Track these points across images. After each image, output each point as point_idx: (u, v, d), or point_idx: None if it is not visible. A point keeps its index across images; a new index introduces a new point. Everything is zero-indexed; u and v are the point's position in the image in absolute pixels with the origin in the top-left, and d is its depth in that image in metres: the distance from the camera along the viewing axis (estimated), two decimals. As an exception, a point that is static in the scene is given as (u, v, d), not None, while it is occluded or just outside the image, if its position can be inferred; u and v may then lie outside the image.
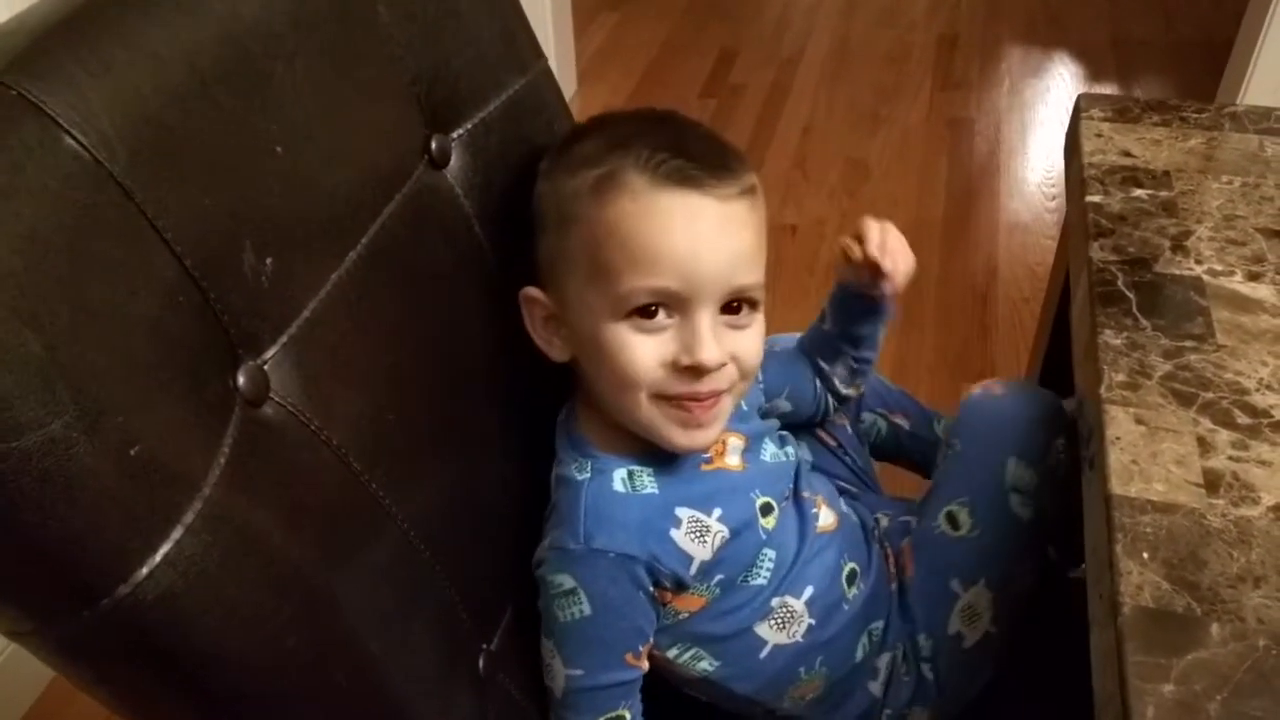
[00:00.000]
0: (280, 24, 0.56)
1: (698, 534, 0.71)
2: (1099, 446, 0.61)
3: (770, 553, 0.75)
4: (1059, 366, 1.01)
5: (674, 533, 0.70)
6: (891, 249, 0.80)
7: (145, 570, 0.42)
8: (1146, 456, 0.60)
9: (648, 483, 0.71)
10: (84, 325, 0.42)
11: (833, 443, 0.94)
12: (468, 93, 0.71)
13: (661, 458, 0.72)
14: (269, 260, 0.53)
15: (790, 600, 0.76)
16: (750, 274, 0.68)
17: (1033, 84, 2.65)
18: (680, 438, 0.69)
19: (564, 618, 0.69)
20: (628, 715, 0.72)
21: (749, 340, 0.69)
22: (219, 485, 0.46)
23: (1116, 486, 0.58)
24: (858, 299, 0.85)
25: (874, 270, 0.79)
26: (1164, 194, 0.80)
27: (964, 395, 0.84)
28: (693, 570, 0.71)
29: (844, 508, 0.84)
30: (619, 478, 0.71)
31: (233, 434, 0.49)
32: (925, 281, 1.99)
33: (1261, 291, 0.70)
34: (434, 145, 0.67)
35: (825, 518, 0.80)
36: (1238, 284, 0.71)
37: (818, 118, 2.53)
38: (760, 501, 0.75)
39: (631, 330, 0.66)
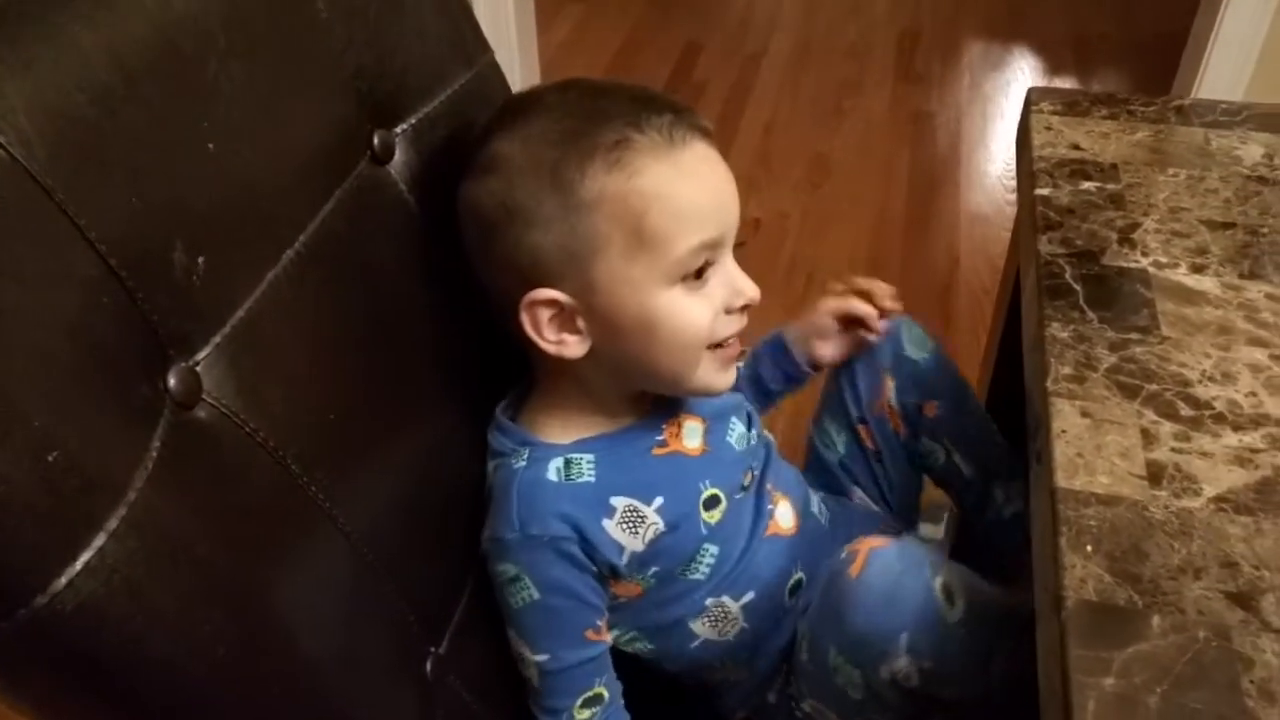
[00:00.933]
0: (213, 18, 0.54)
1: (631, 524, 0.71)
2: (1045, 440, 0.61)
3: (712, 548, 0.75)
4: (1015, 358, 1.01)
5: (605, 522, 0.70)
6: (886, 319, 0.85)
7: (65, 579, 0.41)
8: (1091, 449, 0.60)
9: (585, 470, 0.71)
10: (-2, 328, 0.41)
11: (871, 446, 0.91)
12: (412, 87, 0.70)
13: (610, 443, 0.72)
14: (201, 259, 0.52)
15: (727, 601, 0.76)
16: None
17: (993, 78, 2.67)
18: (723, 380, 0.71)
19: (516, 604, 0.70)
20: (605, 693, 0.73)
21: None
22: (145, 490, 0.45)
23: (1061, 480, 0.58)
24: (790, 360, 0.89)
25: (880, 309, 0.84)
26: (1111, 187, 0.80)
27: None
28: (624, 559, 0.71)
29: (817, 511, 0.83)
30: (554, 467, 0.71)
31: (161, 437, 0.47)
32: (888, 275, 1.97)
33: (1205, 283, 0.71)
34: (376, 140, 0.66)
35: (784, 519, 0.79)
36: (1182, 276, 0.72)
37: (781, 113, 2.53)
38: (706, 494, 0.74)
39: (685, 293, 0.66)
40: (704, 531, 0.74)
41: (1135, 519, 0.56)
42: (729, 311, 0.69)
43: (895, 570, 0.67)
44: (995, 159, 2.36)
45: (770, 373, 0.89)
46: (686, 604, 0.76)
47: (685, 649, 0.78)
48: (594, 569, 0.71)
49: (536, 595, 0.70)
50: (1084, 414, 0.62)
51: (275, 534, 0.54)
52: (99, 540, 0.42)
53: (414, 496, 0.67)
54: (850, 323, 0.86)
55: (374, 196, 0.66)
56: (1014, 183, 2.25)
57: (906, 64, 2.73)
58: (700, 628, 0.77)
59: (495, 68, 0.79)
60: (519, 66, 2.40)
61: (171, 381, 0.49)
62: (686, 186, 0.65)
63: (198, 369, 0.51)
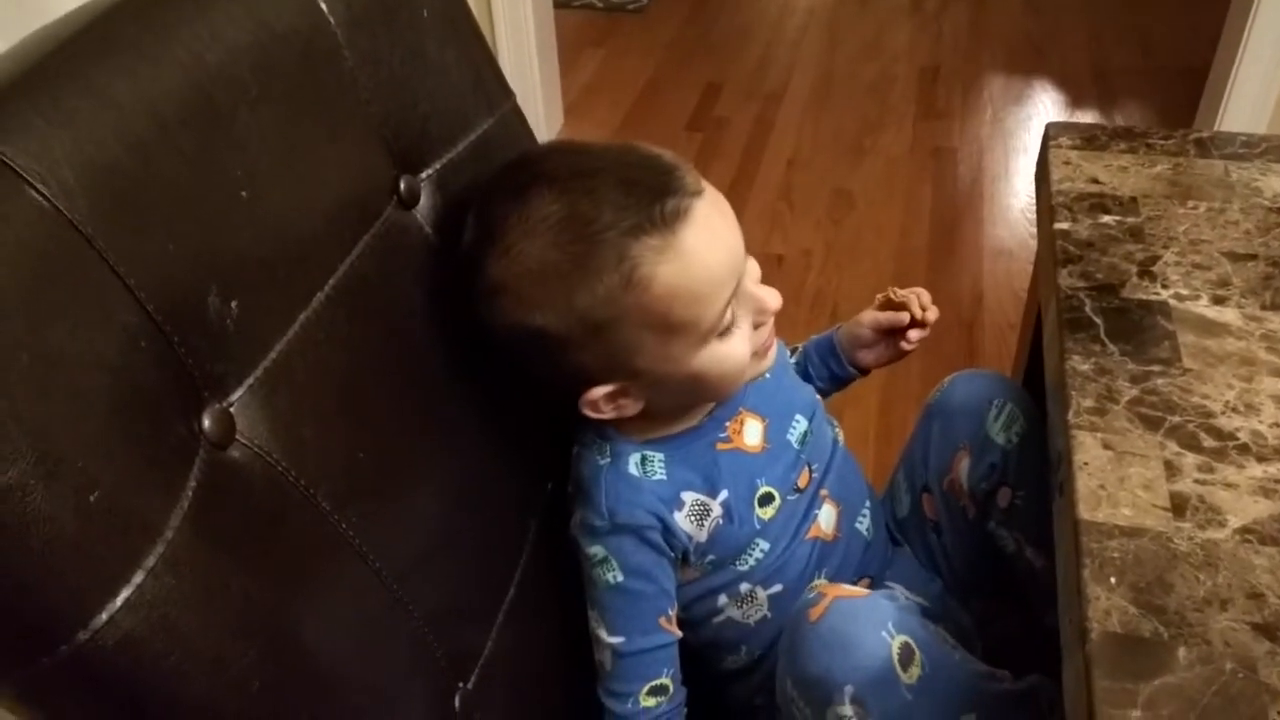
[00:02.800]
0: (244, 69, 0.57)
1: (698, 517, 0.75)
2: (1067, 472, 0.61)
3: (763, 544, 0.78)
4: (1040, 391, 1.01)
5: (677, 514, 0.75)
6: (926, 327, 0.86)
7: (105, 615, 0.42)
8: (1114, 481, 0.60)
9: (658, 468, 0.76)
10: (43, 372, 0.42)
11: (931, 517, 0.88)
12: (436, 134, 0.72)
13: (678, 442, 0.76)
14: (234, 303, 0.53)
15: (759, 590, 0.79)
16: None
17: (1014, 112, 2.68)
18: (762, 366, 0.76)
19: (601, 583, 0.76)
20: (670, 685, 0.77)
21: (753, 261, 0.73)
22: (182, 529, 0.46)
23: (1084, 512, 0.58)
24: (838, 360, 0.91)
25: (915, 319, 0.85)
26: (1131, 220, 0.81)
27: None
28: (692, 546, 0.76)
29: (864, 529, 0.84)
30: (633, 462, 0.75)
31: (197, 477, 0.49)
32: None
33: (1227, 315, 0.71)
34: (403, 186, 0.68)
35: (826, 523, 0.81)
36: (1204, 308, 0.72)
37: (803, 149, 2.55)
38: (762, 491, 0.78)
39: (721, 342, 0.70)
40: (757, 526, 0.78)
41: (1159, 550, 0.56)
42: (757, 327, 0.73)
43: (854, 622, 0.67)
44: (1018, 193, 2.36)
45: (817, 370, 0.92)
46: (727, 588, 0.79)
47: (709, 622, 0.81)
48: (671, 554, 0.76)
49: (621, 578, 0.75)
50: (1106, 446, 0.62)
51: (307, 571, 0.55)
52: (138, 578, 0.43)
53: (444, 534, 0.68)
54: (889, 332, 0.87)
55: (401, 240, 0.68)
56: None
57: (927, 99, 2.74)
58: (730, 608, 0.80)
59: (518, 113, 0.81)
60: (543, 110, 2.44)
61: (206, 423, 0.51)
62: (696, 268, 0.66)
63: (231, 410, 0.53)
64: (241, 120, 0.56)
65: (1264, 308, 0.71)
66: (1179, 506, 0.58)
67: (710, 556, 0.77)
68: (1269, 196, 0.82)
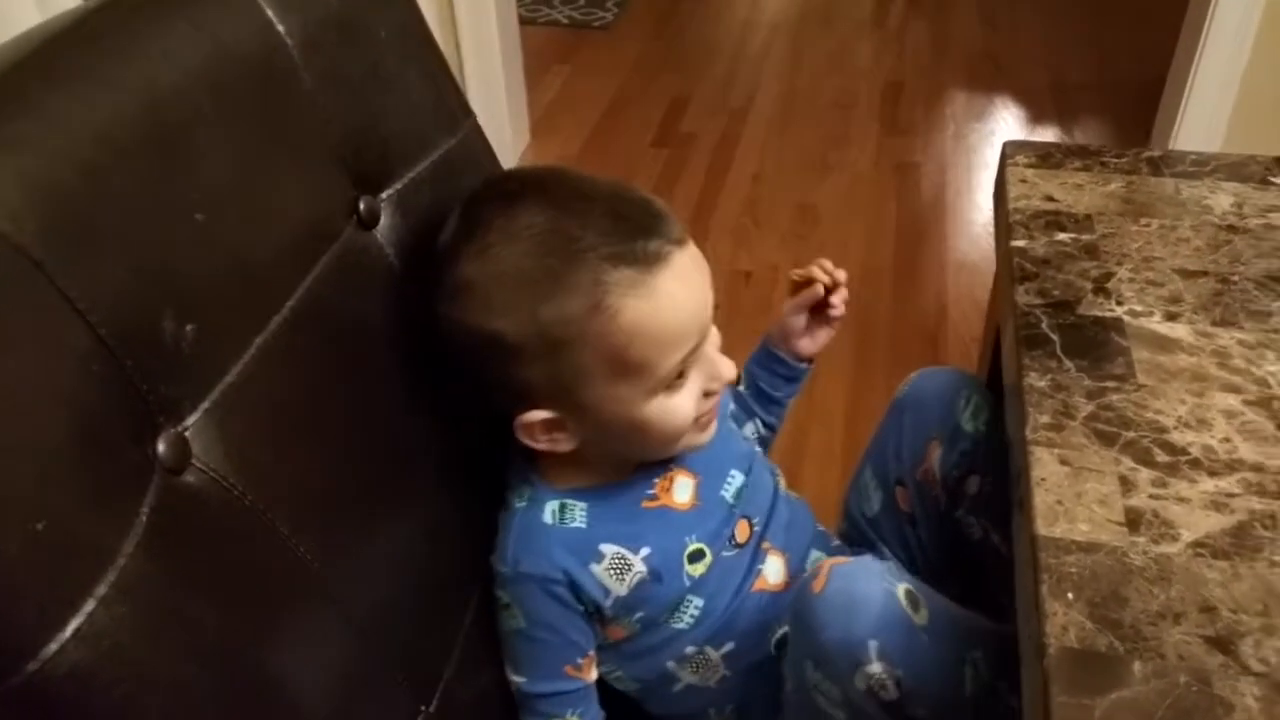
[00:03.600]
0: (199, 91, 0.56)
1: (618, 571, 0.73)
2: (1025, 487, 0.62)
3: (697, 600, 0.76)
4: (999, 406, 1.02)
5: (594, 566, 0.73)
6: (841, 286, 0.86)
7: (55, 646, 0.41)
8: (1071, 497, 0.61)
9: (578, 516, 0.74)
10: (-12, 399, 0.41)
11: (905, 509, 0.89)
12: (397, 153, 0.71)
13: (603, 494, 0.75)
14: (190, 326, 0.53)
15: (709, 650, 0.78)
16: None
17: (976, 128, 2.71)
18: (703, 438, 0.75)
19: (504, 627, 0.75)
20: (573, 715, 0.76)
21: (714, 330, 0.73)
22: (135, 555, 0.46)
23: (1042, 528, 0.59)
24: (781, 362, 0.90)
25: (828, 291, 0.85)
26: (1086, 237, 0.82)
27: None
28: (609, 602, 0.74)
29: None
30: (550, 510, 0.74)
31: (150, 503, 0.48)
32: (876, 325, 2.02)
33: (1179, 331, 0.72)
34: (362, 206, 0.68)
35: (773, 574, 0.80)
36: (1156, 324, 0.73)
37: (768, 165, 2.57)
38: (691, 548, 0.76)
39: (668, 396, 0.69)
40: (687, 583, 0.76)
41: (1115, 565, 0.57)
42: (708, 394, 0.72)
43: (858, 580, 0.68)
44: (980, 208, 2.39)
45: (769, 380, 0.91)
46: (670, 650, 0.78)
47: (669, 692, 0.80)
48: (580, 608, 0.74)
49: (523, 625, 0.74)
50: (1063, 462, 0.63)
51: (266, 597, 0.54)
52: (89, 606, 0.43)
53: (403, 558, 0.67)
54: (816, 309, 0.88)
55: (360, 261, 0.67)
56: (999, 230, 2.28)
57: (890, 115, 2.77)
58: (684, 673, 0.79)
59: (478, 131, 0.81)
60: (509, 126, 2.44)
61: (161, 447, 0.50)
62: (665, 313, 0.66)
63: (186, 434, 0.52)
64: (196, 142, 0.55)
65: (1214, 324, 0.73)
66: (1134, 521, 0.59)
67: (639, 614, 0.75)
68: (1218, 214, 0.84)
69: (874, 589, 0.68)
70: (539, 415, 0.69)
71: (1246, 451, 0.63)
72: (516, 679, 0.76)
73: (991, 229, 2.27)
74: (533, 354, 0.66)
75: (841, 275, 0.87)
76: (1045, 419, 0.66)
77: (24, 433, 0.42)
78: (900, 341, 1.98)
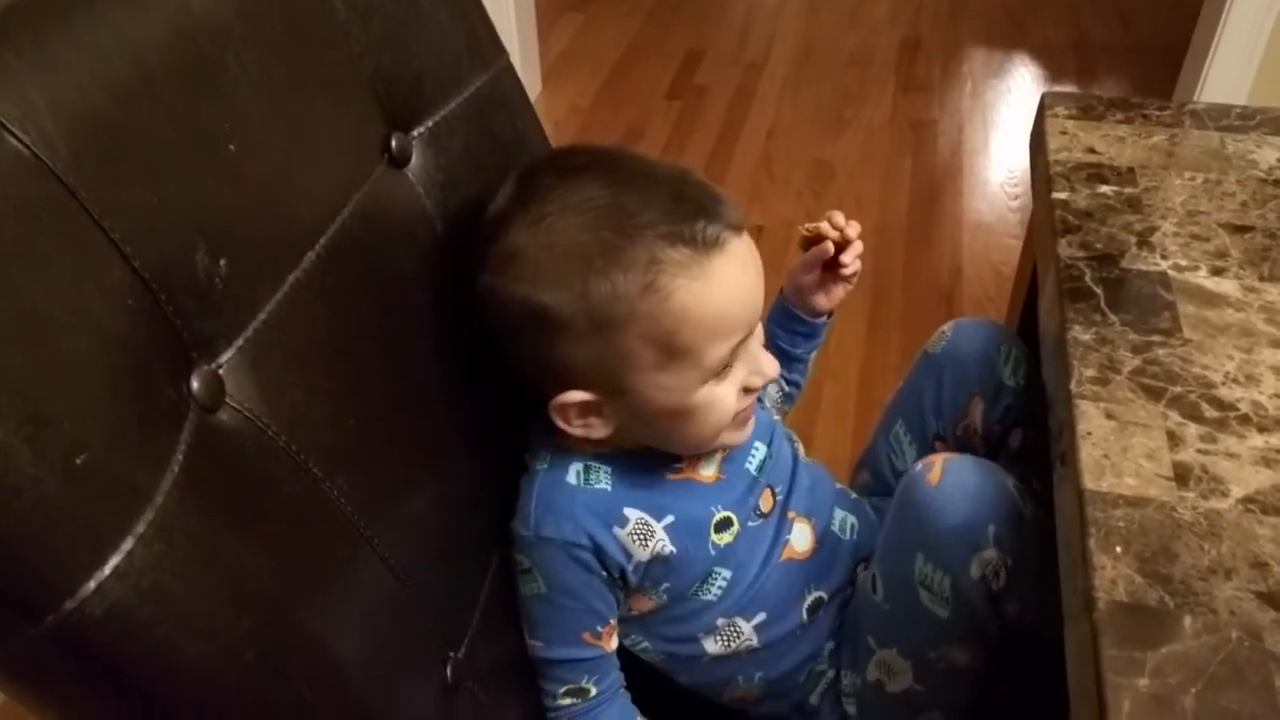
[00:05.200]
0: (231, 17, 0.54)
1: (641, 537, 0.72)
2: (1070, 442, 0.61)
3: (725, 571, 0.75)
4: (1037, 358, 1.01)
5: (618, 530, 0.71)
6: (854, 243, 0.81)
7: (94, 584, 0.40)
8: (1118, 451, 0.59)
9: (602, 478, 0.72)
10: (25, 329, 0.40)
11: None
12: (429, 90, 0.69)
13: (628, 459, 0.72)
14: (223, 261, 0.51)
15: (739, 621, 0.76)
16: None
17: (994, 85, 2.67)
18: (739, 436, 0.73)
19: (524, 592, 0.73)
20: (592, 689, 0.75)
21: (760, 327, 0.72)
22: (172, 494, 0.44)
23: (1089, 482, 0.58)
24: (797, 319, 0.87)
25: (839, 248, 0.81)
26: (1129, 190, 0.80)
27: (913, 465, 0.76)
28: (631, 567, 0.72)
29: (839, 529, 0.81)
30: (574, 470, 0.72)
31: (186, 441, 0.47)
32: (890, 283, 2.00)
33: (1225, 286, 0.71)
34: (394, 144, 0.66)
35: (800, 542, 0.78)
36: (1202, 279, 0.71)
37: (783, 120, 2.53)
38: (719, 517, 0.74)
39: (714, 386, 0.68)
40: (713, 553, 0.74)
41: (1164, 520, 0.56)
42: (749, 390, 0.70)
43: (975, 471, 0.69)
44: (997, 166, 2.36)
45: (788, 339, 0.89)
46: (698, 622, 0.76)
47: (697, 663, 0.78)
48: (604, 574, 0.72)
49: (543, 589, 0.72)
50: (1109, 416, 0.62)
51: (299, 538, 0.53)
52: (127, 544, 0.42)
53: (434, 500, 0.66)
54: (828, 265, 0.84)
55: (392, 200, 0.66)
56: (1017, 190, 2.25)
57: (907, 72, 2.73)
58: (711, 645, 0.77)
59: (511, 72, 0.78)
60: (521, 76, 2.40)
61: (195, 385, 0.49)
62: (717, 299, 0.64)
63: (220, 372, 0.51)
64: (228, 70, 0.53)
65: (1262, 279, 0.71)
66: (1182, 476, 0.58)
67: (665, 584, 0.74)
68: (1264, 169, 0.82)
69: (993, 481, 0.69)
70: (577, 397, 0.67)
71: (1297, 408, 0.62)
72: (534, 643, 0.74)
73: (1008, 189, 2.27)
74: (579, 331, 0.64)
75: (854, 230, 0.82)
76: (1090, 373, 0.65)
77: (63, 363, 0.41)
78: (914, 300, 1.97)
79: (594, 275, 0.63)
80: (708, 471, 0.75)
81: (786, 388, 0.91)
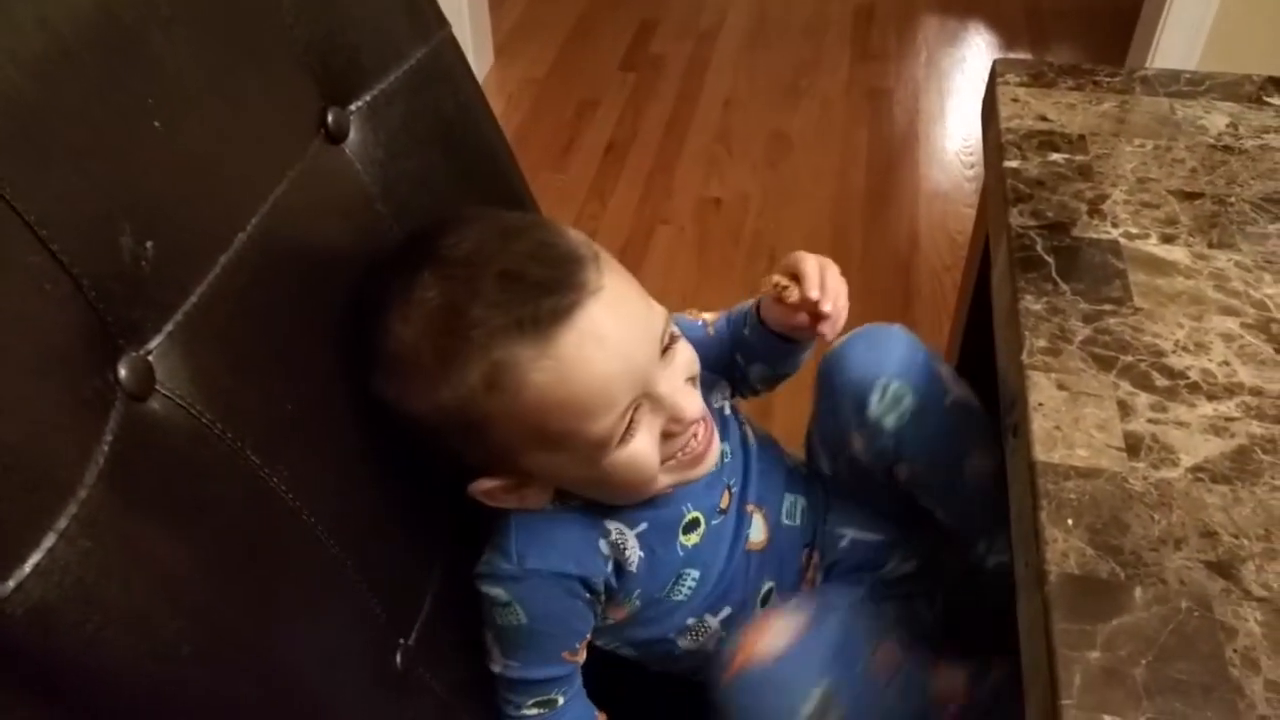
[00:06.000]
0: (154, -12, 0.52)
1: (619, 547, 0.70)
2: (1022, 413, 0.61)
3: (693, 572, 0.74)
4: (979, 334, 1.01)
5: (601, 542, 0.70)
6: (831, 288, 0.70)
7: (12, 584, 0.38)
8: (1069, 422, 0.59)
9: (576, 502, 0.70)
10: (-68, 319, 0.38)
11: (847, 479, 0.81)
12: (367, 63, 0.67)
13: None
14: (149, 244, 0.49)
15: (708, 618, 0.75)
16: (658, 317, 0.64)
17: (949, 53, 2.67)
18: (696, 473, 0.69)
19: (501, 623, 0.70)
20: (560, 700, 0.73)
21: (683, 351, 0.67)
22: (98, 487, 0.43)
23: (1040, 453, 0.58)
24: (781, 340, 0.77)
25: (812, 313, 0.71)
26: (1080, 158, 0.80)
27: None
28: (610, 572, 0.71)
29: (787, 517, 0.79)
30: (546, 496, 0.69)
31: (114, 431, 0.45)
32: (848, 253, 2.00)
33: (1176, 253, 0.71)
34: (330, 118, 0.64)
35: (756, 534, 0.77)
36: (1153, 246, 0.71)
37: (739, 91, 2.52)
38: (688, 517, 0.73)
39: (622, 448, 0.63)
40: (681, 554, 0.73)
41: (1115, 491, 0.55)
42: (670, 435, 0.66)
43: (767, 689, 0.65)
44: (953, 135, 2.36)
45: (784, 363, 0.81)
46: (669, 623, 0.75)
47: (669, 660, 0.78)
48: (588, 596, 0.70)
49: (524, 620, 0.69)
50: (1060, 386, 0.61)
51: (237, 528, 0.52)
52: (48, 541, 0.40)
53: (378, 486, 0.65)
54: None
55: (329, 177, 0.64)
56: (972, 159, 2.25)
57: (863, 41, 2.72)
58: (683, 642, 0.76)
59: (452, 42, 0.76)
60: (472, 50, 2.36)
61: (122, 372, 0.47)
62: (576, 380, 0.59)
63: (150, 358, 0.49)
64: (153, 43, 0.51)
65: (1211, 246, 0.71)
66: (1133, 446, 0.58)
67: (637, 590, 0.72)
68: (1213, 134, 0.82)
69: (900, 338, 0.72)
70: (488, 484, 0.65)
71: (1245, 375, 0.62)
72: (508, 663, 0.71)
73: (964, 157, 2.27)
74: (453, 433, 0.62)
75: (828, 303, 0.69)
76: (1042, 343, 0.64)
77: (-28, 354, 0.39)
78: (872, 270, 1.97)
79: (437, 384, 0.60)
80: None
81: (773, 377, 0.82)
